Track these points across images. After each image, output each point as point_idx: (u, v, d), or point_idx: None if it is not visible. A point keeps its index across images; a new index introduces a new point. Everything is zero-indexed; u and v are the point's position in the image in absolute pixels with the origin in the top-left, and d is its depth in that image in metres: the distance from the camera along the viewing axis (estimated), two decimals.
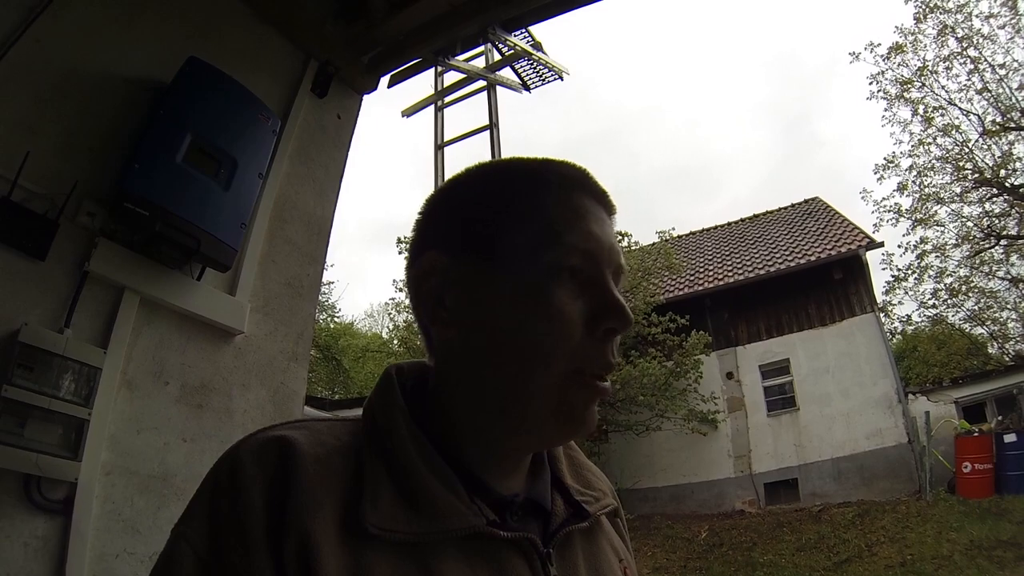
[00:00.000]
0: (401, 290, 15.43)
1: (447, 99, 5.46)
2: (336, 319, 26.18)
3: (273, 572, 0.50)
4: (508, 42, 4.27)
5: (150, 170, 2.02)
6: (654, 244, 15.97)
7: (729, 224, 19.67)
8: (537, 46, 4.74)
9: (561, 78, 5.45)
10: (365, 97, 3.71)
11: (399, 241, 14.90)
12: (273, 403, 2.67)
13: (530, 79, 5.45)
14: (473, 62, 4.99)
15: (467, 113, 5.73)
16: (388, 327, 25.23)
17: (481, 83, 5.31)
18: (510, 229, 0.63)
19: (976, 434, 11.01)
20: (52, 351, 1.81)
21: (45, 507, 1.74)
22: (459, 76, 5.24)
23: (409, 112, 5.35)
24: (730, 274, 15.43)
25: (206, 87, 2.24)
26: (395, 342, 20.60)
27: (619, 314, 0.61)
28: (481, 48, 4.88)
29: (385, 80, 3.92)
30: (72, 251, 1.96)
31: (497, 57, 5.04)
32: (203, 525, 0.53)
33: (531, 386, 0.60)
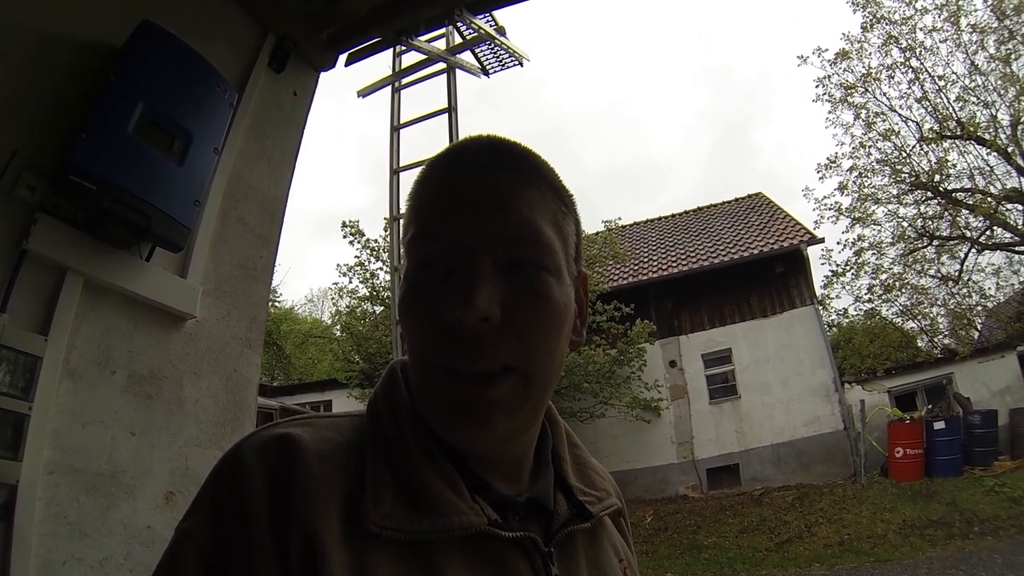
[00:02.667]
0: (345, 275, 15.05)
1: (404, 80, 5.29)
2: (277, 303, 25.50)
3: (277, 569, 0.49)
4: (473, 25, 4.17)
5: (98, 141, 1.86)
6: (599, 233, 16.04)
7: (674, 216, 19.97)
8: (500, 30, 4.63)
9: (521, 64, 5.36)
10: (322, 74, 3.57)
11: (344, 225, 14.52)
12: (226, 391, 2.54)
13: (489, 64, 5.34)
14: (433, 44, 4.85)
15: (420, 97, 5.60)
16: (330, 312, 24.74)
17: (440, 66, 5.17)
18: (405, 236, 0.63)
19: (907, 421, 11.57)
20: None
21: None
22: (416, 58, 5.09)
23: (365, 92, 5.17)
24: (674, 265, 15.69)
25: (161, 54, 2.08)
26: (337, 328, 20.21)
27: (454, 299, 0.54)
28: (442, 30, 4.74)
29: (343, 59, 3.78)
30: (9, 228, 1.78)
31: (457, 40, 4.90)
32: (206, 522, 0.52)
33: (417, 383, 0.61)
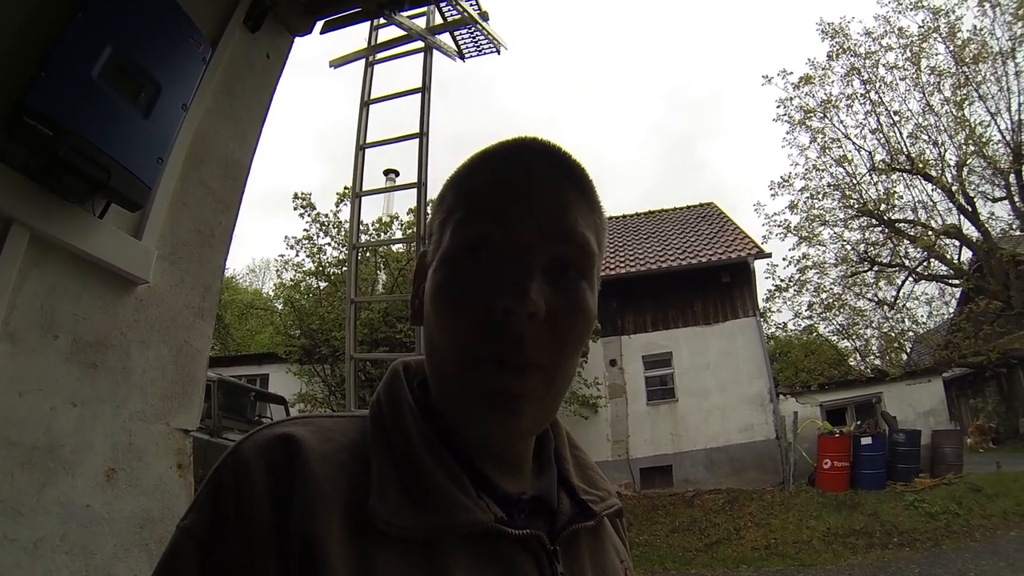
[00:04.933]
0: (292, 247, 14.67)
1: (379, 56, 5.13)
2: None
3: (278, 569, 0.49)
4: (459, 6, 4.05)
5: (59, 82, 1.69)
6: None
7: (624, 216, 20.22)
8: (484, 15, 4.52)
9: (499, 51, 5.27)
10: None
11: (296, 197, 14.15)
12: (175, 363, 2.38)
13: (467, 48, 5.23)
14: (412, 21, 4.70)
15: (387, 76, 5.45)
16: (273, 284, 24.08)
17: (416, 44, 5.04)
18: (445, 219, 0.63)
19: (837, 435, 12.17)
20: None
21: None
22: (394, 34, 4.94)
23: (337, 63, 4.99)
24: (622, 265, 15.90)
25: None
26: (279, 301, 19.71)
27: (511, 292, 0.55)
28: (423, 9, 4.61)
29: (319, 26, 3.63)
30: None
31: (438, 20, 4.78)
32: (207, 521, 0.52)
33: (445, 370, 0.60)
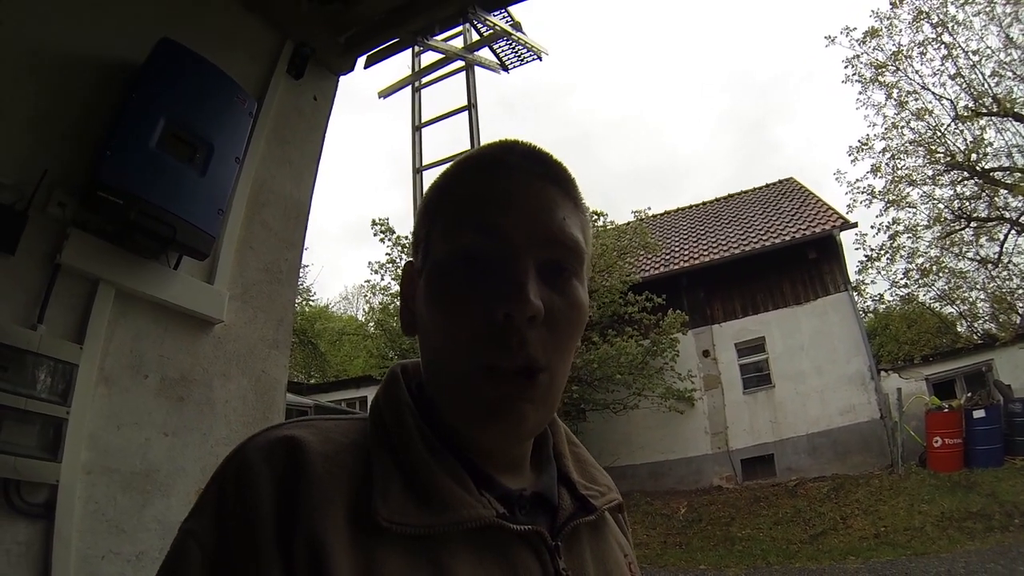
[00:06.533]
0: (377, 272, 15.28)
1: (424, 80, 5.35)
2: (311, 302, 25.92)
3: (282, 570, 0.49)
4: (488, 22, 4.19)
5: (123, 157, 1.95)
6: (629, 223, 15.93)
7: (704, 203, 19.69)
8: (516, 26, 4.63)
9: (540, 58, 5.35)
10: (342, 78, 3.64)
11: (374, 223, 14.73)
12: (255, 392, 2.62)
13: (508, 59, 5.35)
14: (451, 42, 4.89)
15: (443, 95, 5.65)
16: (364, 309, 25.09)
17: (458, 64, 5.22)
18: (431, 227, 0.64)
19: (946, 410, 11.22)
20: (26, 349, 1.74)
21: (26, 511, 1.69)
22: (436, 57, 5.14)
23: (385, 93, 5.23)
24: (706, 253, 15.48)
25: (180, 70, 2.16)
26: (371, 325, 20.49)
27: (510, 296, 0.56)
28: (460, 28, 4.78)
29: (361, 61, 3.84)
30: (43, 243, 1.88)
31: (475, 37, 4.94)
32: (211, 523, 0.52)
33: (446, 380, 0.61)
